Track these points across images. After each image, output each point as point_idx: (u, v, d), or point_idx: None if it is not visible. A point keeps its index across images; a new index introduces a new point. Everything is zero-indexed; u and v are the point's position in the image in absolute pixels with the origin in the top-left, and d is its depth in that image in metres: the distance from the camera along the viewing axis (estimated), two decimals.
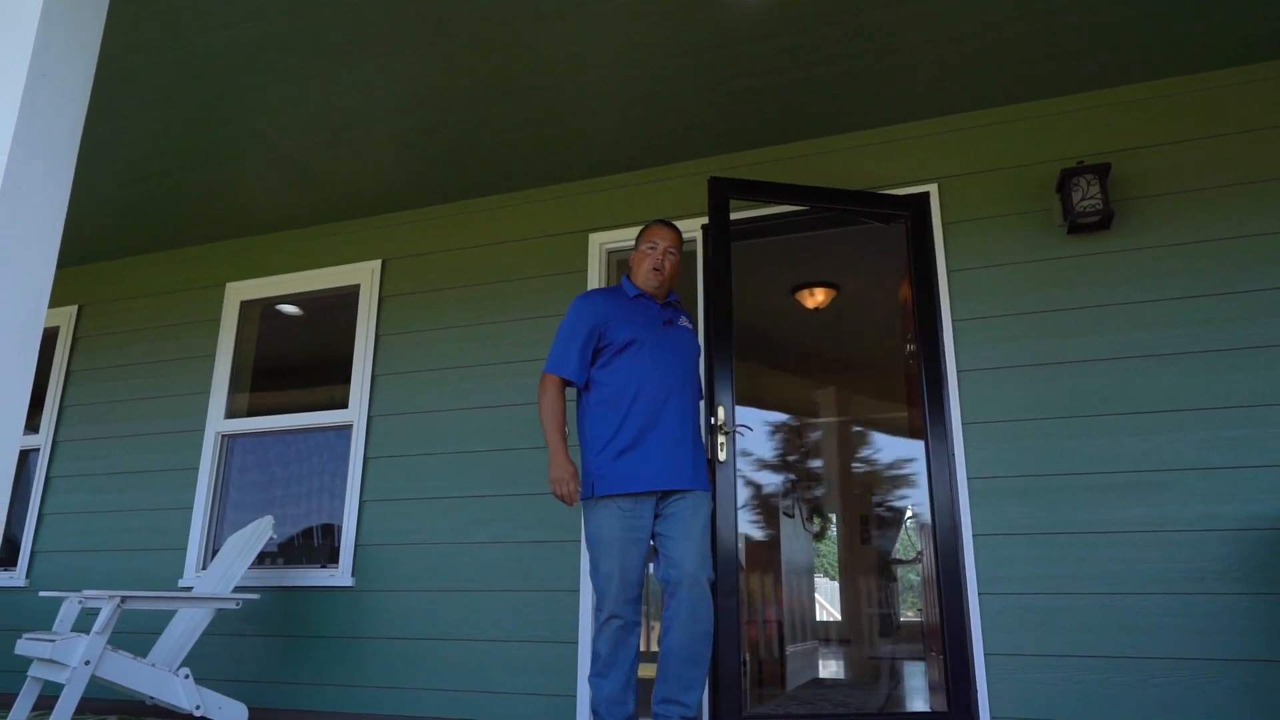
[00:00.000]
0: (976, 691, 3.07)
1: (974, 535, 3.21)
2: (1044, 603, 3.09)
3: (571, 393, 3.29)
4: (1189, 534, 3.00)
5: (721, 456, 3.13)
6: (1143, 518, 3.06)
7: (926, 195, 3.59)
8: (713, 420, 3.17)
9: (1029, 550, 3.15)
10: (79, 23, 1.86)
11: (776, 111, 3.65)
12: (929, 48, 3.23)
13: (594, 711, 2.67)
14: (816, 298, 6.23)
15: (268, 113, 3.70)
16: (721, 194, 3.42)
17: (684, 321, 3.03)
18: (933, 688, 3.92)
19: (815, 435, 8.86)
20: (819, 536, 6.09)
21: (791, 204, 3.53)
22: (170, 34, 3.19)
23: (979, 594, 3.16)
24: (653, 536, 2.79)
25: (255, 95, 3.57)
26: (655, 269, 2.97)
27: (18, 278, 1.63)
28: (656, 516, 2.76)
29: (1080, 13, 3.04)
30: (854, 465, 9.10)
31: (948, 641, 3.13)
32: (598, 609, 2.72)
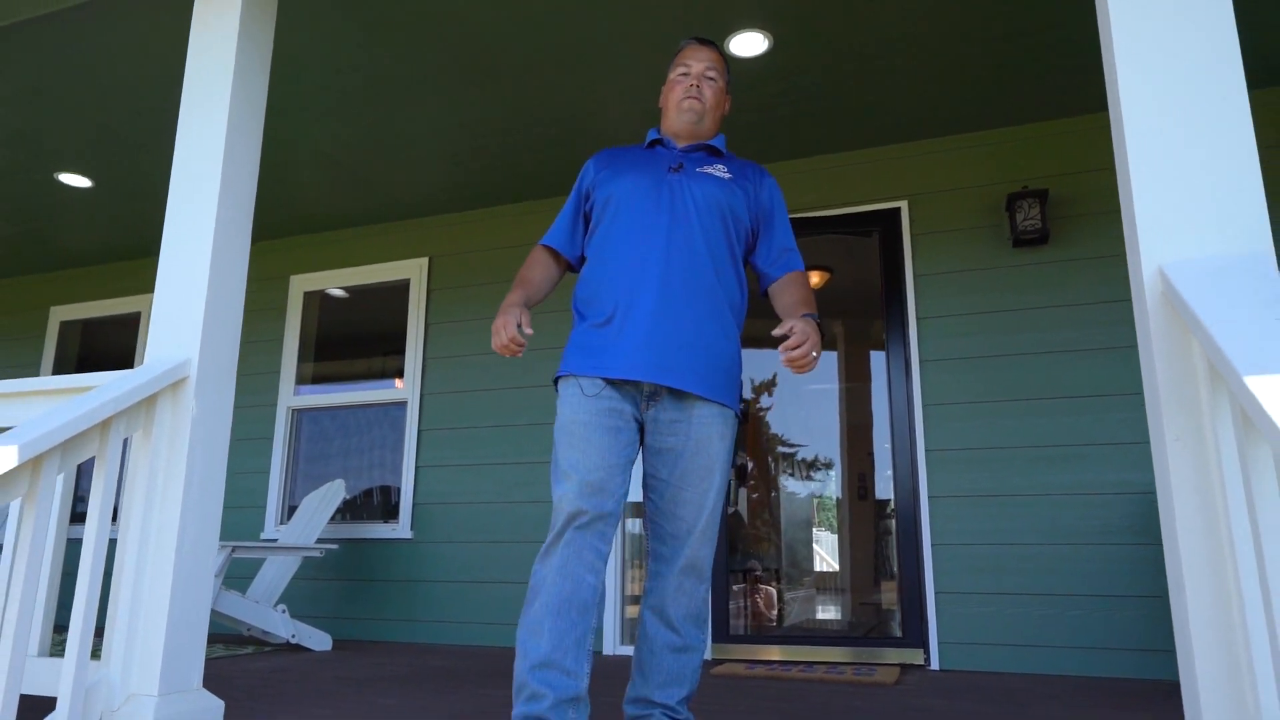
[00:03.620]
0: (927, 622, 3.80)
1: (929, 497, 3.91)
2: (984, 552, 3.80)
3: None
4: (1103, 496, 3.68)
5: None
6: (1067, 483, 3.74)
7: (898, 210, 4.23)
8: None
9: (974, 509, 3.85)
10: (252, 111, 2.52)
11: (770, 138, 4.27)
12: (900, 89, 3.84)
13: (515, 678, 1.82)
14: (812, 280, 6.90)
15: (332, 137, 4.34)
16: None
17: (713, 168, 2.13)
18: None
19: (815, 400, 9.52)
20: (818, 494, 6.78)
21: None
22: None
23: (932, 545, 3.87)
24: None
25: (322, 125, 4.21)
26: (690, 97, 2.16)
27: (230, 291, 2.32)
28: (644, 431, 2.00)
29: (1025, 58, 3.64)
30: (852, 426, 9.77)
31: (904, 582, 3.86)
32: (550, 534, 1.88)
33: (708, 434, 1.95)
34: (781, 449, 5.57)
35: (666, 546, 1.98)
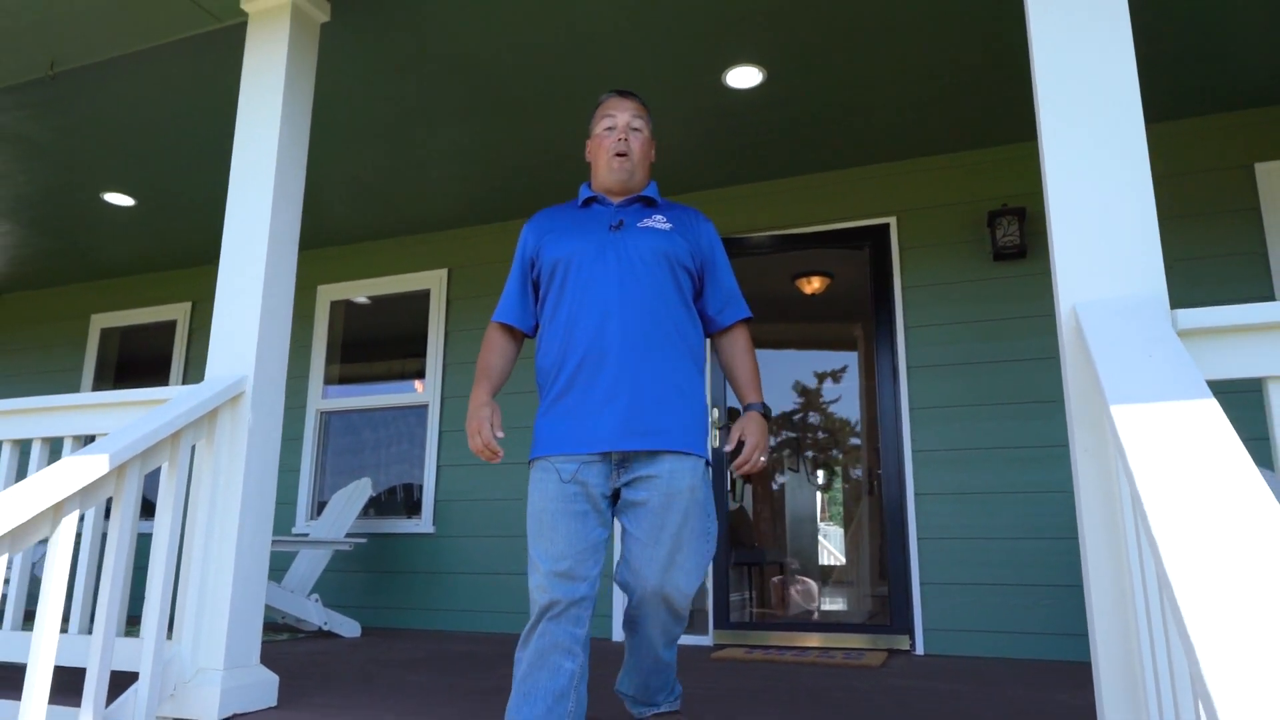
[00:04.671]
0: (913, 609, 4.09)
1: (915, 494, 4.20)
2: (965, 545, 4.08)
3: None
4: (1072, 495, 3.96)
5: (713, 444, 4.17)
6: (1041, 482, 4.02)
7: (887, 226, 4.50)
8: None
9: (956, 506, 4.13)
10: (296, 153, 2.84)
11: (767, 159, 4.56)
12: (888, 113, 4.11)
13: None
14: (813, 284, 7.18)
15: (359, 162, 4.66)
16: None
17: (653, 220, 2.14)
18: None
19: (823, 401, 9.80)
20: (825, 489, 7.08)
21: (780, 251, 4.48)
22: None
23: (918, 539, 4.15)
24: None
25: (352, 150, 4.53)
26: (618, 154, 2.15)
27: (282, 299, 2.64)
28: (618, 498, 2.02)
29: (1005, 84, 3.91)
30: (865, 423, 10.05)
31: (891, 573, 4.15)
32: (529, 622, 2.03)
33: (678, 487, 1.97)
34: (784, 445, 5.88)
35: (638, 594, 2.01)
